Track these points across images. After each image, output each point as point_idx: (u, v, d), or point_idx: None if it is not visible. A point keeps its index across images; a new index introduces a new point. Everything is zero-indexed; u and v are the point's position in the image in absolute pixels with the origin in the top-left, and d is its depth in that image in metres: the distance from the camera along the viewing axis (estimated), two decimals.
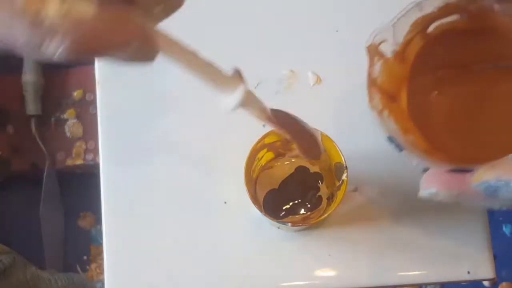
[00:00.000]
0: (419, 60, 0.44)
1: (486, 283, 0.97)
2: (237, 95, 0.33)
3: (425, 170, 0.38)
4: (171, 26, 0.53)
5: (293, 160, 0.48)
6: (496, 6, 0.41)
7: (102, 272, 0.94)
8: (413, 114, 0.44)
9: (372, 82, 0.42)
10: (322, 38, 0.53)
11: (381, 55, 0.43)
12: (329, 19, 0.53)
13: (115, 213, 0.50)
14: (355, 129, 0.51)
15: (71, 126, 0.94)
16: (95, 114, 0.51)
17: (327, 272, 0.48)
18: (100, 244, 0.95)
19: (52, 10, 0.24)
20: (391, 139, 0.40)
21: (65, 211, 0.95)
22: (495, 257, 0.48)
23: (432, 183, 0.36)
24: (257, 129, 0.51)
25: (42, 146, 0.92)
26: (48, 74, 0.95)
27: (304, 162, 0.48)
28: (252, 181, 0.46)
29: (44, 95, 0.94)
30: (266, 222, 0.49)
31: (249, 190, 0.43)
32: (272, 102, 0.52)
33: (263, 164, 0.47)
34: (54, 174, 0.94)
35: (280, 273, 0.48)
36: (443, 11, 0.42)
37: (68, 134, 0.94)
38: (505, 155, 0.34)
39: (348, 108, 0.51)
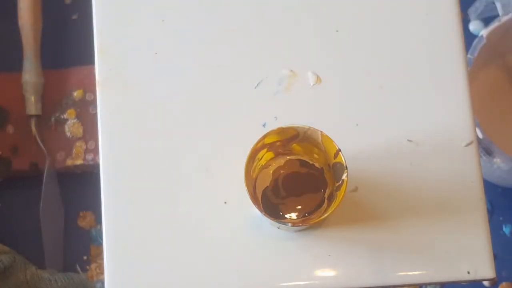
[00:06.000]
0: None
1: (486, 283, 0.96)
2: None
3: None
4: (172, 26, 0.53)
5: (288, 157, 0.48)
6: None
7: (102, 272, 0.94)
8: None
9: None
10: (322, 38, 0.53)
11: None
12: (329, 19, 0.53)
13: (115, 213, 0.50)
14: (355, 129, 0.51)
15: (71, 126, 0.94)
16: (95, 114, 0.51)
17: (327, 272, 0.48)
18: (100, 244, 0.95)
19: None
20: None
21: (65, 211, 0.95)
22: (495, 257, 0.49)
23: None
24: (257, 129, 0.51)
25: (42, 146, 0.92)
26: (48, 74, 0.95)
27: (305, 158, 0.47)
28: (252, 181, 0.46)
29: (44, 95, 0.94)
30: (266, 222, 0.49)
31: (249, 190, 0.43)
32: (272, 102, 0.52)
33: (263, 164, 0.47)
34: (54, 174, 0.93)
35: (280, 273, 0.48)
36: None
37: (68, 134, 0.94)
38: None
39: (348, 108, 0.51)
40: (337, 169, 0.44)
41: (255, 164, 0.45)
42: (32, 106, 0.93)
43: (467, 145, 0.51)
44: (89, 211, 0.97)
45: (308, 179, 0.47)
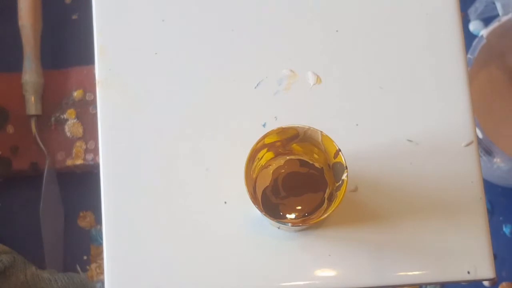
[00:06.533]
0: None
1: (486, 283, 0.97)
2: None
3: None
4: (173, 25, 0.53)
5: (288, 157, 0.48)
6: None
7: (102, 272, 0.94)
8: None
9: None
10: (322, 38, 0.53)
11: None
12: (329, 19, 0.53)
13: (115, 213, 0.50)
14: (355, 129, 0.51)
15: (71, 126, 0.94)
16: (95, 114, 0.51)
17: (327, 272, 0.48)
18: (100, 244, 0.95)
19: None
20: None
21: (65, 211, 0.95)
22: (495, 257, 0.49)
23: None
24: (257, 129, 0.51)
25: (42, 146, 0.92)
26: (48, 74, 0.95)
27: (305, 158, 0.47)
28: (252, 181, 0.46)
29: (44, 95, 0.94)
30: (266, 222, 0.49)
31: (249, 190, 0.43)
32: (272, 102, 0.52)
33: (263, 164, 0.47)
34: (54, 174, 0.94)
35: (280, 273, 0.48)
36: None
37: (68, 134, 0.94)
38: None
39: (348, 108, 0.51)
40: (337, 169, 0.44)
41: (255, 164, 0.45)
42: (32, 106, 0.93)
43: (467, 145, 0.51)
44: (89, 211, 0.97)
45: (308, 179, 0.47)
